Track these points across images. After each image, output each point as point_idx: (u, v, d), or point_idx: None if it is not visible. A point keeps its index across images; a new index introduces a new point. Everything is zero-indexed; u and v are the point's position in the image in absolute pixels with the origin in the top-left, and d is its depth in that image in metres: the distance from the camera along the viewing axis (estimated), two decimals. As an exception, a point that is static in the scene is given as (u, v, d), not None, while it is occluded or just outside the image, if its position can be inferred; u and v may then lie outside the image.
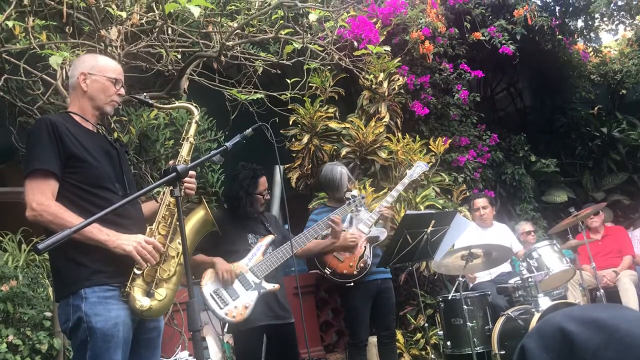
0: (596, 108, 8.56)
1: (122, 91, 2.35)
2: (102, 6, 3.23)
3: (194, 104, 2.55)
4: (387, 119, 5.26)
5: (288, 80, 4.14)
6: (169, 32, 3.77)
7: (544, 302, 3.97)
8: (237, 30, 3.79)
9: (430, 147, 5.37)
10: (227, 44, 3.66)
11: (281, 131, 5.12)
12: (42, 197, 2.05)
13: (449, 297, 4.37)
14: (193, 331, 1.85)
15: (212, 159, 2.23)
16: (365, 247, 3.82)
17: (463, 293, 4.04)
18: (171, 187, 2.08)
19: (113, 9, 3.18)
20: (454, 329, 4.28)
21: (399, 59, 5.47)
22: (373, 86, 5.28)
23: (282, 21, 3.69)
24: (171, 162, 2.33)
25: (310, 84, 4.66)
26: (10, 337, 3.12)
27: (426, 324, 4.35)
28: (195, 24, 3.98)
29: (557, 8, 7.59)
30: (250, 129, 2.38)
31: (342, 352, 5.07)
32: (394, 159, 5.17)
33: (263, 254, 3.27)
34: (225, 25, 3.97)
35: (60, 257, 2.11)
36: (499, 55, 6.43)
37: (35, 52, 3.17)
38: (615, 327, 0.84)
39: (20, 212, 2.09)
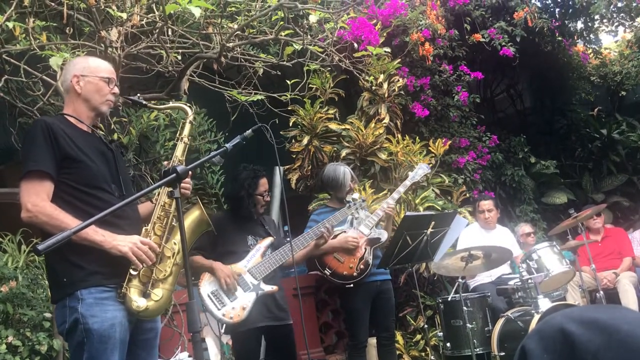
0: (596, 110, 8.56)
1: (117, 90, 2.35)
2: (103, 7, 3.22)
3: (189, 104, 2.54)
4: (387, 120, 5.26)
5: (288, 82, 4.14)
6: (169, 33, 3.76)
7: (544, 304, 3.96)
8: (238, 32, 3.78)
9: (430, 148, 5.38)
10: (228, 45, 3.66)
11: (281, 132, 5.12)
12: (37, 198, 2.05)
13: (449, 299, 4.36)
14: (193, 332, 1.85)
15: (212, 160, 2.23)
16: (365, 248, 3.82)
17: (463, 294, 4.05)
18: (167, 188, 2.07)
19: (113, 10, 3.18)
20: (453, 331, 4.28)
21: (399, 60, 5.48)
22: (373, 87, 5.29)
23: (282, 22, 3.69)
24: (165, 162, 2.33)
25: (310, 86, 4.66)
26: (10, 338, 3.12)
27: (426, 325, 4.35)
28: (196, 25, 3.98)
29: (557, 10, 7.58)
30: (250, 130, 2.38)
31: (342, 353, 5.06)
32: (393, 161, 5.17)
33: (262, 256, 3.27)
34: (225, 26, 3.96)
35: (56, 259, 2.10)
36: (499, 56, 6.44)
37: (35, 53, 3.16)
38: (616, 328, 0.84)
39: (19, 213, 2.09)
